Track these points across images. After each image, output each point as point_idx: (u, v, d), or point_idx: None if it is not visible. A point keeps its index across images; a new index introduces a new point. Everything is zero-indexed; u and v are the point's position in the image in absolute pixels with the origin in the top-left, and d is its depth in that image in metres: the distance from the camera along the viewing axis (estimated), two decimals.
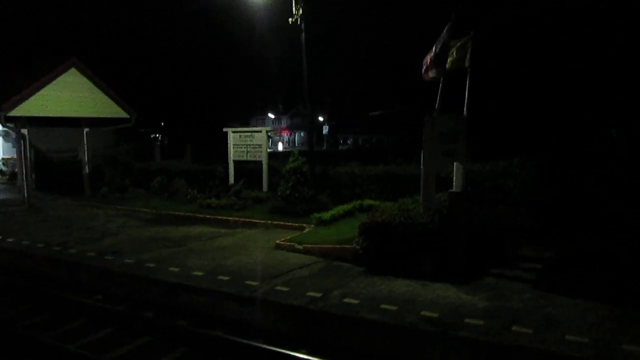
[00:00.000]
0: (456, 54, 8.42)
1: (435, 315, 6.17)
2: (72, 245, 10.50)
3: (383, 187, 13.03)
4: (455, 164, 8.47)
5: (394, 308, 6.43)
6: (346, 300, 6.80)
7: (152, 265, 8.85)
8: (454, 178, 8.47)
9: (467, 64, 8.41)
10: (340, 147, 70.77)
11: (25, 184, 16.60)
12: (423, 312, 6.25)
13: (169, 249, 10.04)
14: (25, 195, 16.29)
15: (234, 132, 16.13)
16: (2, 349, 6.51)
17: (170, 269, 8.57)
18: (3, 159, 26.66)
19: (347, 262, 8.62)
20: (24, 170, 17.00)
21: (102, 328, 7.12)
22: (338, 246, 9.12)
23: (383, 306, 6.51)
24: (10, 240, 11.23)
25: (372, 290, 7.20)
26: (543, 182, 10.25)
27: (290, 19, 12.81)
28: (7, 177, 24.16)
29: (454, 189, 8.41)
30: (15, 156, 22.34)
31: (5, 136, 26.06)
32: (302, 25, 12.91)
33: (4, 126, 17.04)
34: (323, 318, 6.46)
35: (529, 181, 10.26)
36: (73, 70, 17.98)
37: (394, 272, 7.86)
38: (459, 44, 8.44)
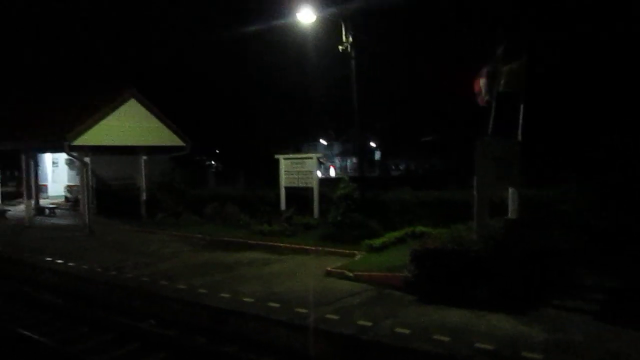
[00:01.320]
0: (508, 77, 8.25)
1: (490, 347, 5.92)
2: (128, 270, 10.79)
3: (435, 213, 12.77)
4: (509, 189, 8.23)
5: (447, 339, 6.22)
6: (397, 329, 6.64)
7: (204, 291, 8.95)
8: (509, 204, 8.23)
9: (520, 87, 8.22)
10: (392, 173, 70.24)
11: (86, 210, 17.28)
12: (478, 344, 6.02)
13: (220, 275, 10.15)
14: (87, 221, 16.94)
15: (285, 158, 16.30)
16: None
17: (222, 294, 8.64)
18: (68, 186, 27.92)
19: (398, 290, 8.44)
20: (86, 197, 17.71)
21: (155, 352, 7.21)
22: (389, 274, 8.97)
23: (435, 337, 6.31)
24: (71, 264, 11.65)
25: (424, 319, 7.01)
26: (602, 207, 9.80)
27: (340, 47, 12.93)
28: (71, 203, 25.24)
29: (509, 215, 8.16)
30: (78, 183, 23.38)
31: (70, 164, 27.33)
32: (352, 52, 13.01)
33: (68, 155, 17.86)
34: (373, 348, 6.32)
35: (588, 207, 9.82)
36: (132, 101, 18.75)
37: (446, 301, 7.63)
38: (511, 66, 8.27)
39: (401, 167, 77.78)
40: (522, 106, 8.18)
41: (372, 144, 77.17)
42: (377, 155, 74.93)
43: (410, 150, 71.65)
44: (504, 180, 8.04)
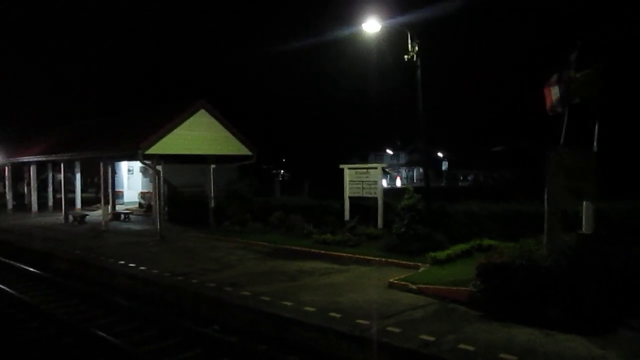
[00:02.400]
0: (582, 84, 7.86)
1: None
2: (194, 276, 11.09)
3: (503, 226, 12.35)
4: (584, 202, 7.82)
5: (513, 358, 5.96)
6: (461, 346, 6.43)
7: (267, 298, 9.05)
8: (583, 218, 7.81)
9: (595, 95, 7.81)
10: (459, 184, 68.73)
11: (158, 216, 17.97)
12: None
13: (283, 283, 10.23)
14: (158, 227, 17.60)
15: (349, 168, 16.29)
16: None
17: (284, 303, 8.70)
18: (141, 192, 29.19)
19: (463, 305, 8.20)
20: (157, 204, 18.42)
21: (218, 358, 7.34)
22: (454, 288, 8.73)
23: (501, 355, 6.06)
24: (142, 268, 12.11)
25: (490, 336, 6.76)
26: None
27: (406, 56, 12.81)
28: (144, 209, 26.37)
29: (583, 230, 7.74)
30: (151, 190, 24.38)
31: (144, 172, 28.61)
32: (418, 61, 12.85)
33: (142, 163, 18.67)
34: None
35: None
36: (202, 112, 19.40)
37: (514, 318, 7.32)
38: (585, 73, 7.87)
39: (469, 178, 76.02)
40: (597, 115, 7.76)
41: (440, 154, 75.95)
42: (445, 165, 73.62)
43: (479, 161, 69.96)
44: (577, 192, 7.64)
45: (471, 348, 6.34)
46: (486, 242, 11.75)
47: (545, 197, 7.54)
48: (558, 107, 7.98)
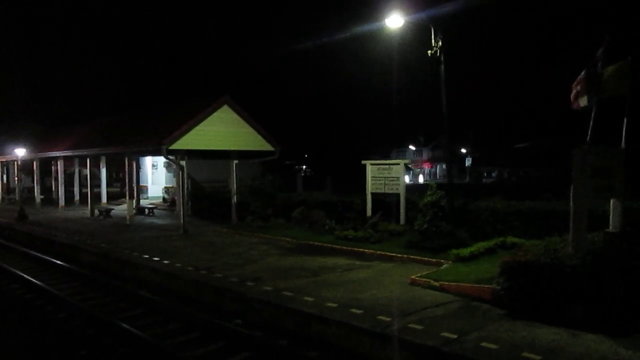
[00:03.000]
0: (611, 79, 7.69)
1: None
2: (217, 270, 11.18)
3: (528, 224, 12.19)
4: (612, 201, 7.66)
5: (537, 357, 5.88)
6: (484, 344, 6.37)
7: (288, 293, 9.08)
8: (610, 216, 7.66)
9: (625, 91, 7.63)
10: (483, 180, 67.99)
11: (182, 210, 18.16)
12: None
13: (305, 279, 10.25)
14: (182, 221, 17.79)
15: (372, 164, 16.23)
16: None
17: (305, 298, 8.72)
18: (165, 187, 29.56)
19: (486, 303, 8.11)
20: (181, 198, 18.61)
21: (240, 352, 7.40)
22: (477, 285, 8.64)
23: (525, 354, 5.98)
24: (165, 262, 12.26)
25: (513, 335, 6.67)
26: None
27: (429, 52, 12.69)
28: (168, 203, 26.70)
29: (610, 229, 7.59)
30: (174, 185, 24.66)
31: (168, 167, 28.94)
32: (442, 56, 12.72)
33: (166, 158, 18.88)
34: None
35: None
36: (225, 108, 19.51)
37: (538, 317, 7.22)
38: (614, 68, 7.70)
39: (493, 175, 75.21)
40: (626, 111, 7.58)
41: (463, 150, 75.20)
42: (468, 161, 72.87)
43: (503, 158, 69.19)
44: (604, 190, 7.49)
45: (494, 347, 6.27)
46: (510, 240, 11.60)
47: (571, 194, 7.41)
48: (585, 103, 7.83)
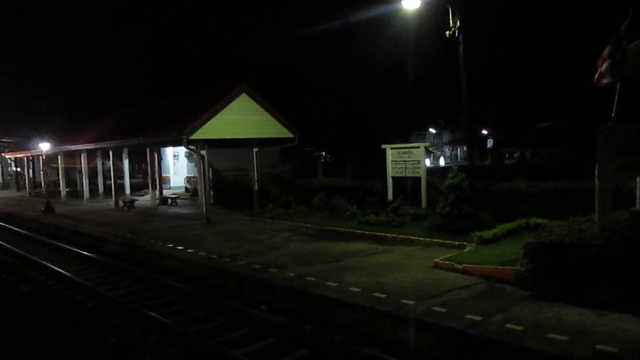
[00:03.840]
0: (635, 56, 7.50)
1: (613, 350, 5.48)
2: (240, 258, 11.29)
3: (552, 204, 12.03)
4: (637, 179, 7.52)
5: (563, 338, 5.84)
6: (508, 326, 6.34)
7: (311, 279, 9.14)
8: (637, 194, 7.52)
9: None
10: (505, 162, 67.20)
11: (204, 199, 18.34)
12: (598, 346, 5.59)
13: (328, 264, 10.30)
14: (204, 210, 17.96)
15: (392, 148, 16.14)
16: (177, 350, 7.18)
17: (329, 283, 8.77)
18: (187, 177, 29.84)
19: (510, 285, 8.06)
20: (203, 187, 18.78)
21: (265, 338, 7.49)
22: (500, 267, 8.59)
23: (550, 335, 5.94)
24: (190, 250, 12.41)
25: (539, 316, 6.63)
26: None
27: (447, 32, 12.51)
28: (190, 193, 26.96)
29: (636, 207, 7.46)
30: (196, 175, 24.88)
31: (189, 157, 29.18)
32: (460, 37, 12.53)
33: (186, 148, 19.03)
34: (482, 343, 6.10)
35: None
36: (243, 96, 19.56)
37: (563, 298, 7.15)
38: (638, 43, 7.50)
39: (515, 156, 74.29)
40: None
41: (484, 132, 74.31)
42: (490, 143, 72.00)
43: (525, 138, 68.20)
44: (630, 168, 7.34)
45: (519, 328, 6.24)
46: (533, 221, 11.47)
47: (596, 173, 7.30)
48: (608, 80, 7.66)
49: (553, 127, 59.84)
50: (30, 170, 37.96)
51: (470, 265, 9.07)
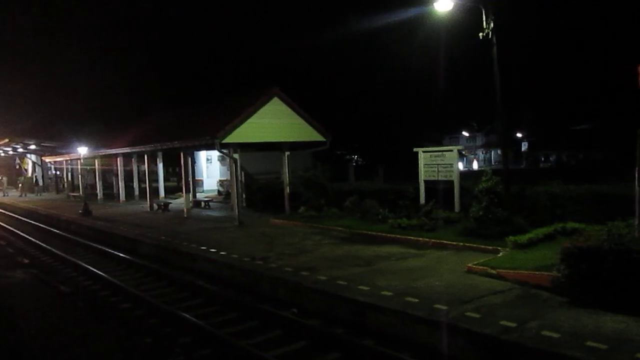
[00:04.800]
0: None
1: None
2: (272, 260, 11.35)
3: (589, 208, 11.74)
4: None
5: (602, 347, 5.68)
6: (544, 332, 6.21)
7: (343, 283, 9.12)
8: None
9: None
10: (540, 165, 65.88)
11: (236, 202, 18.51)
12: (639, 355, 5.42)
13: (359, 268, 10.27)
14: (236, 213, 18.14)
15: (424, 151, 16.01)
16: (210, 351, 7.26)
17: (360, 287, 8.74)
18: (220, 180, 30.21)
19: (545, 291, 7.90)
20: (235, 191, 18.96)
21: (296, 341, 7.51)
22: (536, 273, 8.42)
23: (589, 343, 5.79)
24: (222, 253, 12.54)
25: (576, 324, 6.47)
26: None
27: (480, 34, 12.35)
28: (223, 196, 27.29)
29: None
30: (228, 178, 25.16)
31: (222, 161, 29.54)
32: (494, 38, 12.35)
33: (219, 152, 19.26)
34: (517, 350, 5.98)
35: None
36: (275, 100, 19.66)
37: (602, 305, 6.96)
38: None
39: (551, 159, 72.78)
40: None
41: (519, 135, 73.05)
42: (524, 146, 70.73)
43: (561, 141, 66.71)
44: None
45: (556, 335, 6.10)
46: (570, 225, 11.22)
47: (636, 176, 7.09)
48: None
49: (591, 130, 58.38)
50: (69, 174, 39.01)
51: (505, 270, 8.92)
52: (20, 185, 43.48)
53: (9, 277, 11.66)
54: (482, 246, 11.25)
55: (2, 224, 23.57)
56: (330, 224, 15.86)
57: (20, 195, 40.19)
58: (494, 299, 7.71)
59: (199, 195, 28.24)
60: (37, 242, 17.24)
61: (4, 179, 47.42)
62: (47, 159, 40.76)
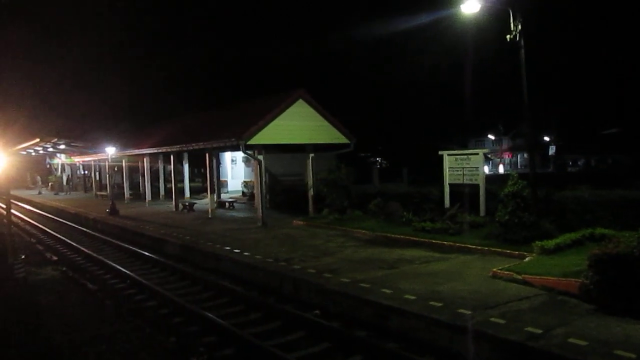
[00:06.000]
0: None
1: None
2: (295, 262, 11.38)
3: (619, 214, 11.50)
4: None
5: (631, 356, 5.56)
6: (571, 340, 6.10)
7: (366, 285, 9.10)
8: None
9: None
10: (568, 169, 64.72)
11: (260, 204, 18.61)
12: None
13: (382, 271, 10.23)
14: (260, 214, 18.24)
15: (449, 154, 15.88)
16: (234, 351, 7.31)
17: (383, 290, 8.70)
18: (244, 181, 30.39)
19: (573, 298, 7.75)
20: (259, 192, 19.06)
21: (319, 342, 7.52)
22: (563, 279, 8.28)
23: (617, 352, 5.68)
24: (246, 254, 12.62)
25: (604, 332, 6.34)
26: None
27: (508, 36, 12.20)
28: (247, 197, 27.46)
29: None
30: (253, 179, 25.31)
31: (246, 162, 29.72)
32: (521, 41, 12.20)
33: (244, 153, 19.38)
34: (543, 358, 5.89)
35: None
36: (300, 102, 19.71)
37: (631, 313, 6.81)
38: None
39: (579, 163, 71.48)
40: None
41: (546, 139, 71.89)
42: (551, 150, 69.53)
43: (590, 145, 65.47)
44: None
45: (583, 343, 5.99)
46: (599, 231, 11.00)
47: None
48: None
49: (620, 134, 57.19)
50: (97, 173, 39.70)
51: (531, 276, 8.78)
52: (50, 184, 44.47)
53: (38, 273, 11.93)
54: (508, 251, 11.11)
55: (34, 222, 24.15)
56: (354, 227, 15.83)
57: (56, 194, 41.40)
58: (520, 305, 7.61)
59: (224, 196, 28.47)
60: (66, 239, 17.60)
61: (38, 177, 48.61)
62: (76, 159, 41.54)
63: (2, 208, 20.08)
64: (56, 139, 35.41)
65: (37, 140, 35.20)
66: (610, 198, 11.95)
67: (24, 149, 39.50)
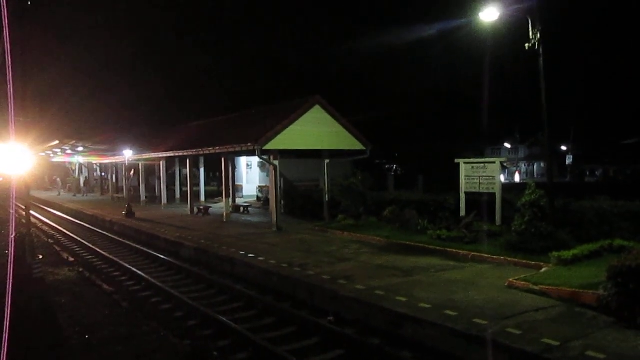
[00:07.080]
0: None
1: None
2: (310, 268, 11.38)
3: (639, 225, 11.33)
4: None
5: None
6: (589, 353, 6.02)
7: (380, 293, 9.06)
8: None
9: None
10: (586, 179, 63.94)
11: (275, 208, 18.65)
12: None
13: (397, 278, 10.18)
14: (275, 219, 18.28)
15: (465, 163, 15.79)
16: (247, 356, 7.32)
17: (398, 298, 8.66)
18: (259, 186, 30.50)
19: (591, 310, 7.65)
20: (274, 197, 19.11)
21: (333, 349, 7.50)
22: (581, 290, 8.17)
23: None
24: (260, 259, 12.64)
25: (624, 345, 6.24)
26: None
27: (527, 45, 12.13)
28: (262, 202, 27.54)
29: None
30: (268, 184, 25.39)
31: (262, 167, 29.83)
32: (540, 49, 12.12)
33: (260, 158, 19.46)
34: None
35: None
36: (316, 108, 19.75)
37: None
38: None
39: (597, 173, 70.59)
40: None
41: (563, 148, 71.15)
42: (569, 159, 68.76)
43: (609, 155, 64.67)
44: None
45: (601, 356, 5.90)
46: (618, 242, 10.85)
47: None
48: None
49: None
50: (114, 176, 40.11)
51: (548, 287, 8.69)
52: (68, 185, 45.00)
53: (55, 274, 12.06)
54: (524, 261, 11.01)
55: (52, 223, 24.44)
56: (369, 233, 15.79)
57: (75, 195, 42.02)
58: (536, 316, 7.52)
59: (239, 201, 28.58)
60: (83, 241, 17.79)
61: (58, 179, 49.24)
62: (94, 161, 42.02)
63: (22, 209, 20.37)
64: (74, 141, 35.88)
65: (57, 142, 35.71)
66: (630, 209, 11.79)
67: (44, 149, 40.05)
